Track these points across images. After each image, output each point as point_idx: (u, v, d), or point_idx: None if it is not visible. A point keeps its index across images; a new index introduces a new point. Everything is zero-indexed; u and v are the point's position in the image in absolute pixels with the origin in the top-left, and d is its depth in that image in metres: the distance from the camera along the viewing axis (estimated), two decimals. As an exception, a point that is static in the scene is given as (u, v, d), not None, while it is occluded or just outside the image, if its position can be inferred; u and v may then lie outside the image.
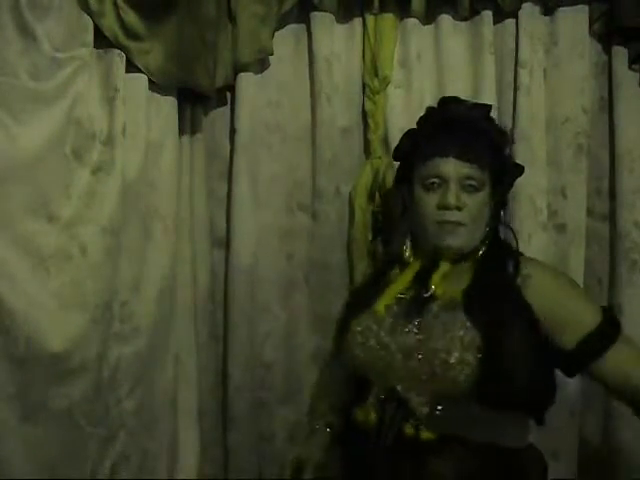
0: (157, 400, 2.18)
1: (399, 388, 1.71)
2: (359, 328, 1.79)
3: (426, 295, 1.76)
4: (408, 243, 1.88)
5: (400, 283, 1.82)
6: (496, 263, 1.82)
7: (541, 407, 1.77)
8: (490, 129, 1.90)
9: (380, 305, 1.79)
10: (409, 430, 1.69)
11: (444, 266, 1.80)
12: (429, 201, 1.79)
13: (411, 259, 1.87)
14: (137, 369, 2.16)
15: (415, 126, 1.95)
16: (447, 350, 1.66)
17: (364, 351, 1.77)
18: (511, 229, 1.95)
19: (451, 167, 1.78)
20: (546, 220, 2.35)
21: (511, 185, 1.99)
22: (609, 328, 1.77)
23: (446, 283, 1.78)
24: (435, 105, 1.95)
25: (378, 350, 1.75)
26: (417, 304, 1.76)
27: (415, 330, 1.72)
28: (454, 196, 1.76)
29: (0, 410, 2.00)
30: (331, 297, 2.33)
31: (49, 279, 2.06)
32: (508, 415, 1.72)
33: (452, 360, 1.65)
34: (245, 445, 2.30)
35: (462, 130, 1.83)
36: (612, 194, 2.37)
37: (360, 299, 1.87)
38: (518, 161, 2.29)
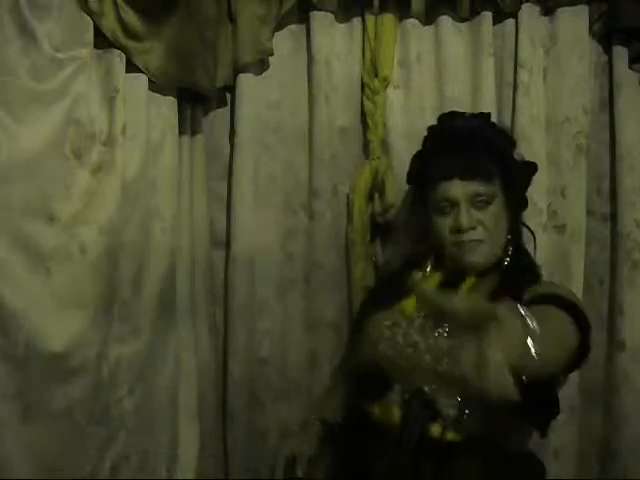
0: (157, 400, 2.18)
1: (427, 389, 1.70)
2: (387, 323, 1.77)
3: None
4: (430, 261, 1.90)
5: (427, 285, 1.83)
6: (517, 276, 1.83)
7: (548, 419, 1.79)
8: (492, 137, 1.91)
9: (408, 304, 1.79)
10: (436, 431, 1.69)
11: (470, 280, 1.82)
12: (444, 225, 1.82)
13: (430, 271, 1.89)
14: (137, 369, 2.15)
15: (419, 140, 1.99)
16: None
17: (390, 346, 1.75)
18: (530, 230, 1.98)
19: (458, 189, 1.80)
20: (546, 220, 2.34)
21: (528, 183, 2.00)
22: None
23: (472, 294, 1.79)
24: (436, 122, 1.98)
25: (404, 347, 1.73)
26: None
27: (445, 335, 1.72)
28: (465, 217, 1.79)
29: (0, 410, 1.99)
30: (328, 297, 2.33)
31: (49, 279, 2.06)
32: (521, 422, 1.74)
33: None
34: (245, 443, 2.29)
35: (464, 147, 1.85)
36: (613, 194, 2.37)
37: (380, 298, 1.87)
38: (518, 161, 2.31)
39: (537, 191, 2.32)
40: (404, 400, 1.72)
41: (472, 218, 1.79)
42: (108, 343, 2.12)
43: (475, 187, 1.80)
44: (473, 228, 1.79)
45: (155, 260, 2.20)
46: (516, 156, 1.97)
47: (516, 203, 1.92)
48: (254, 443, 2.29)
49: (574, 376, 2.28)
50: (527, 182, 1.99)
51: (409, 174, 2.01)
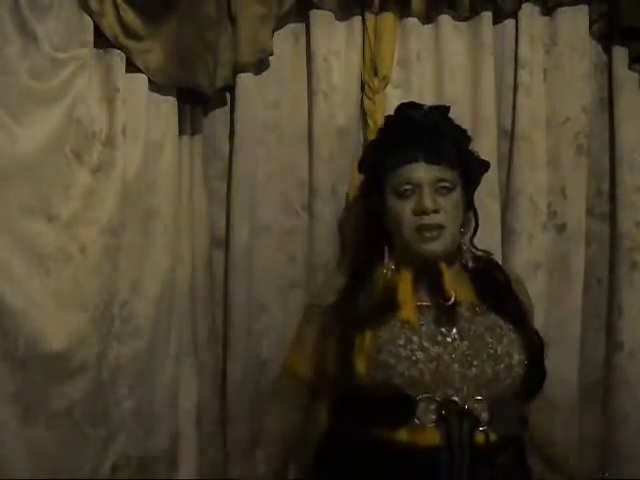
0: (157, 400, 2.18)
1: (456, 399, 1.68)
2: (401, 342, 1.71)
3: (451, 302, 1.75)
4: (387, 253, 1.87)
5: (405, 291, 1.78)
6: (486, 266, 1.88)
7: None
8: (453, 128, 1.91)
9: (409, 314, 1.73)
10: (480, 438, 1.68)
11: (445, 269, 1.80)
12: (405, 208, 1.79)
13: (391, 268, 1.85)
14: (137, 369, 2.15)
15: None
16: (508, 353, 1.71)
17: (411, 366, 1.69)
18: (475, 230, 1.97)
19: (422, 171, 1.79)
20: (546, 220, 2.35)
21: (478, 183, 2.00)
22: None
23: (453, 287, 1.79)
24: (394, 113, 1.97)
25: (427, 362, 1.69)
26: (445, 311, 1.75)
27: (457, 337, 1.72)
28: (430, 199, 1.77)
29: (0, 410, 2.00)
30: (328, 297, 2.33)
31: (49, 279, 2.06)
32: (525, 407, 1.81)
33: (514, 362, 1.71)
34: (245, 444, 2.29)
35: (427, 134, 1.84)
36: (612, 194, 2.38)
37: (356, 313, 1.80)
38: (518, 161, 2.32)
39: (537, 191, 2.33)
40: (441, 417, 1.67)
41: (435, 202, 1.78)
42: (108, 343, 2.12)
43: (439, 172, 1.80)
44: (436, 211, 1.77)
45: (155, 260, 2.19)
46: (472, 151, 1.98)
47: (470, 198, 1.93)
48: (254, 445, 2.29)
49: (573, 376, 2.30)
50: (479, 179, 2.00)
51: (362, 161, 1.98)
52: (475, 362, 1.70)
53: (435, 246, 1.78)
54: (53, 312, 2.05)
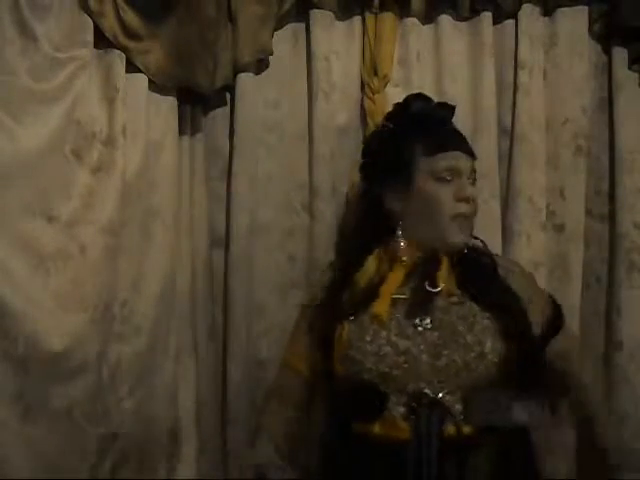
0: (157, 400, 2.18)
1: (427, 391, 1.69)
2: (368, 337, 1.73)
3: (435, 291, 1.75)
4: (400, 239, 1.84)
5: (392, 283, 1.78)
6: (471, 256, 1.85)
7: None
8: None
9: (380, 308, 1.74)
10: (451, 430, 1.68)
11: (445, 261, 1.80)
12: (446, 192, 1.79)
13: (403, 256, 1.84)
14: (137, 369, 2.15)
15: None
16: (479, 342, 1.70)
17: (379, 361, 1.70)
18: None
19: (464, 161, 1.82)
20: (545, 220, 2.35)
21: None
22: (559, 314, 1.89)
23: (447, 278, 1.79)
24: (405, 103, 1.96)
25: (395, 357, 1.70)
26: (420, 301, 1.75)
27: (429, 327, 1.72)
28: (470, 188, 1.80)
29: (0, 410, 2.00)
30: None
31: (49, 279, 2.06)
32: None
33: (486, 350, 1.70)
34: (245, 444, 2.30)
35: (453, 127, 1.89)
36: (611, 195, 2.38)
37: (335, 308, 1.81)
38: (518, 162, 2.33)
39: (537, 191, 2.33)
40: (410, 409, 1.68)
41: (472, 192, 1.82)
42: (108, 343, 2.12)
43: (472, 163, 1.84)
44: (473, 201, 1.81)
45: (155, 260, 2.19)
46: None
47: None
48: (254, 445, 2.29)
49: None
50: None
51: (375, 149, 1.95)
52: (444, 352, 1.70)
53: (462, 238, 1.81)
54: (53, 312, 2.05)
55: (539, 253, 2.33)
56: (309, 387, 1.88)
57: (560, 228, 2.37)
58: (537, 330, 1.82)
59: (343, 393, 1.78)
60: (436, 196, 1.80)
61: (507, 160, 2.36)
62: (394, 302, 1.76)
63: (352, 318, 1.76)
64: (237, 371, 2.27)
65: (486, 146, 2.28)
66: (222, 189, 2.35)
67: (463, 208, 1.79)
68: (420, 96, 1.98)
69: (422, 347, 1.70)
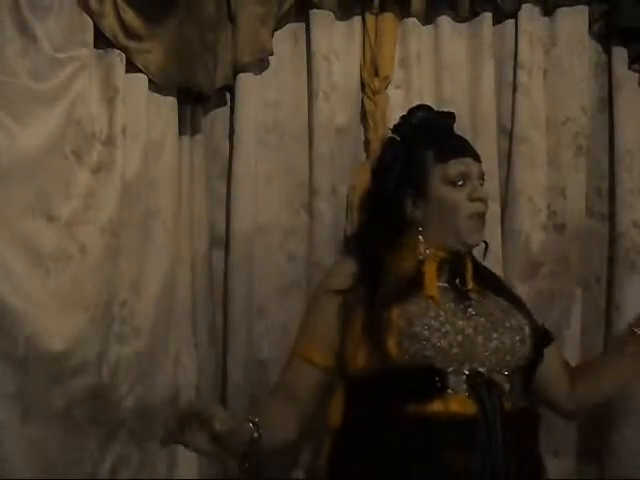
0: (157, 400, 2.17)
1: (482, 370, 1.75)
2: (432, 313, 1.76)
3: (466, 288, 1.84)
4: (421, 242, 1.88)
5: (430, 271, 1.84)
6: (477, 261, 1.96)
7: None
8: None
9: (433, 292, 1.80)
10: (508, 406, 1.75)
11: (469, 261, 1.88)
12: (461, 195, 1.85)
13: (424, 255, 1.87)
14: (137, 369, 2.15)
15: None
16: (520, 327, 1.81)
17: (441, 337, 1.74)
18: None
19: (473, 166, 1.88)
20: (546, 220, 2.36)
21: None
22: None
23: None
24: (410, 113, 1.97)
25: (455, 334, 1.75)
26: (462, 292, 1.83)
27: (474, 314, 1.79)
28: (481, 189, 1.87)
29: (0, 410, 2.00)
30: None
31: (49, 279, 2.06)
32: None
33: (526, 335, 1.81)
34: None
35: (457, 135, 1.94)
36: (611, 194, 2.38)
37: (381, 292, 1.82)
38: (518, 162, 2.34)
39: (537, 191, 2.34)
40: (471, 387, 1.73)
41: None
42: (108, 343, 2.12)
43: (481, 168, 1.89)
44: (485, 201, 1.87)
45: (155, 260, 2.19)
46: None
47: None
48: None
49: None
50: None
51: (394, 156, 1.95)
52: (494, 334, 1.77)
53: (480, 237, 1.88)
54: (53, 312, 2.05)
55: (539, 253, 2.33)
56: (324, 378, 1.87)
57: (560, 228, 2.37)
58: None
59: (393, 375, 1.76)
60: (452, 200, 1.86)
61: (507, 160, 2.37)
62: (440, 289, 1.82)
63: (403, 302, 1.78)
64: (237, 371, 2.27)
65: (486, 146, 2.28)
66: (222, 189, 2.35)
67: (478, 207, 1.85)
68: (422, 107, 2.01)
69: (477, 328, 1.77)
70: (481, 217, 1.87)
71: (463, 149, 1.90)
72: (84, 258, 2.10)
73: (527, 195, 2.33)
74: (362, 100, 2.37)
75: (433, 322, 1.75)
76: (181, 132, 2.28)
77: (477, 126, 2.32)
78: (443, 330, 1.74)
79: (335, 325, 1.85)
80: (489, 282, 1.91)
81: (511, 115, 2.36)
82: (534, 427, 1.84)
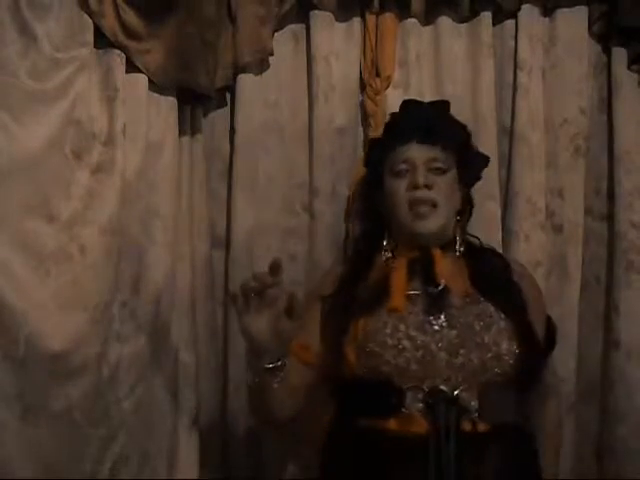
0: (157, 400, 2.18)
1: (443, 387, 1.70)
2: (387, 330, 1.72)
3: (440, 289, 1.76)
4: (387, 240, 1.89)
5: (398, 279, 1.79)
6: (484, 257, 1.90)
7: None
8: (450, 118, 1.96)
9: (397, 303, 1.74)
10: (467, 426, 1.68)
11: (437, 255, 1.81)
12: (400, 185, 1.83)
13: (389, 256, 1.87)
14: (137, 369, 2.15)
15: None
16: (496, 343, 1.72)
17: (398, 354, 1.70)
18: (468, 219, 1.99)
19: (416, 151, 1.83)
20: (544, 220, 2.35)
21: (478, 176, 2.02)
22: (550, 344, 1.91)
23: (445, 275, 1.80)
24: (398, 109, 1.99)
25: (414, 351, 1.70)
26: (434, 299, 1.76)
27: (444, 325, 1.73)
28: (422, 176, 1.80)
29: (0, 410, 2.00)
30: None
31: (49, 279, 2.06)
32: (523, 394, 1.80)
33: (502, 351, 1.71)
34: (245, 444, 2.30)
35: (423, 118, 1.89)
36: (610, 195, 2.38)
37: (351, 302, 1.81)
38: (517, 162, 2.33)
39: (536, 191, 2.34)
40: (428, 406, 1.69)
41: (428, 178, 1.81)
42: (108, 343, 2.11)
43: (432, 152, 1.84)
44: (429, 187, 1.81)
45: (155, 260, 2.19)
46: (473, 145, 2.01)
47: (468, 189, 1.96)
48: (254, 444, 2.30)
49: (571, 375, 2.31)
50: (479, 172, 2.02)
51: (367, 156, 2.02)
52: (462, 351, 1.71)
53: (428, 224, 1.81)
54: (53, 312, 2.05)
55: (538, 253, 2.33)
56: (316, 378, 1.86)
57: (559, 228, 2.37)
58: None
59: (355, 389, 1.77)
60: (394, 190, 1.84)
61: (506, 160, 2.36)
62: (409, 298, 1.77)
63: (368, 313, 1.76)
64: (237, 371, 2.26)
65: (486, 146, 2.27)
66: (222, 189, 2.35)
67: (417, 194, 1.80)
68: (411, 101, 2.00)
69: (440, 344, 1.71)
70: (425, 204, 1.80)
71: (410, 134, 1.84)
72: (84, 258, 2.10)
73: (526, 195, 2.33)
74: (362, 100, 2.37)
75: (388, 339, 1.71)
76: (181, 132, 2.27)
77: (476, 126, 2.30)
78: (400, 347, 1.70)
79: (317, 330, 1.85)
80: (487, 283, 1.82)
81: (510, 115, 2.36)
82: (518, 447, 1.75)
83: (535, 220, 2.34)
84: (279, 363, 1.68)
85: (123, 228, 2.15)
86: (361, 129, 2.37)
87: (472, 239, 1.97)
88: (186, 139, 2.29)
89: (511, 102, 2.36)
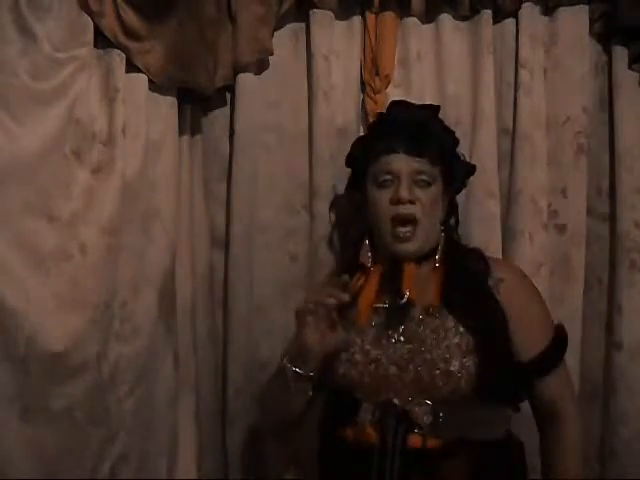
0: (157, 400, 2.17)
1: (396, 401, 1.70)
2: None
3: (403, 302, 1.76)
4: (366, 247, 1.88)
5: (369, 291, 1.81)
6: (462, 265, 1.85)
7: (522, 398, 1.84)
8: (440, 126, 1.95)
9: (360, 317, 1.76)
10: (416, 441, 1.68)
11: (409, 269, 1.80)
12: (382, 197, 1.81)
13: (370, 264, 1.86)
14: (137, 369, 2.15)
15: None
16: (445, 359, 1.70)
17: (351, 367, 1.74)
18: (456, 229, 1.98)
19: (402, 162, 1.81)
20: (546, 220, 2.35)
21: (463, 185, 2.02)
22: (558, 349, 1.85)
23: (417, 287, 1.79)
24: (386, 110, 2.00)
25: (367, 365, 1.73)
26: (397, 312, 1.76)
27: (401, 339, 1.73)
28: (406, 189, 1.79)
29: (0, 410, 1.99)
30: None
31: (49, 279, 2.06)
32: (497, 409, 1.78)
33: (453, 368, 1.69)
34: (245, 445, 2.30)
35: (410, 127, 1.86)
36: (612, 194, 2.37)
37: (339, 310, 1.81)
38: (519, 161, 2.32)
39: (538, 191, 2.33)
40: (377, 417, 1.71)
41: (412, 192, 1.80)
42: (108, 343, 2.11)
43: (418, 164, 1.82)
44: (412, 202, 1.79)
45: (155, 260, 2.19)
46: (459, 153, 2.00)
47: (452, 198, 1.95)
48: (254, 445, 2.29)
49: (573, 375, 2.29)
50: (464, 182, 2.02)
51: (349, 155, 2.02)
52: (410, 366, 1.72)
53: (408, 247, 1.81)
54: (53, 312, 2.04)
55: (541, 253, 2.33)
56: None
57: (562, 228, 2.36)
58: (525, 346, 1.81)
59: (323, 396, 1.83)
60: (375, 201, 1.83)
61: (508, 159, 2.36)
62: (376, 311, 1.79)
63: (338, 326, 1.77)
64: (237, 371, 2.27)
65: (486, 145, 2.28)
66: (222, 189, 2.35)
67: (400, 209, 1.79)
68: (400, 103, 2.00)
69: (392, 358, 1.72)
70: (407, 221, 1.78)
71: (395, 145, 1.82)
72: (84, 258, 2.09)
73: (528, 195, 2.32)
74: (362, 100, 2.36)
75: (342, 353, 1.75)
76: (181, 132, 2.27)
77: (477, 125, 2.31)
78: (353, 360, 1.74)
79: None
80: (456, 295, 1.78)
81: (512, 114, 2.35)
82: (479, 464, 1.72)
83: (537, 220, 2.33)
84: (311, 374, 1.75)
85: (123, 228, 2.15)
86: (361, 128, 2.36)
87: (461, 243, 1.97)
88: (186, 139, 2.29)
89: (512, 101, 2.35)
